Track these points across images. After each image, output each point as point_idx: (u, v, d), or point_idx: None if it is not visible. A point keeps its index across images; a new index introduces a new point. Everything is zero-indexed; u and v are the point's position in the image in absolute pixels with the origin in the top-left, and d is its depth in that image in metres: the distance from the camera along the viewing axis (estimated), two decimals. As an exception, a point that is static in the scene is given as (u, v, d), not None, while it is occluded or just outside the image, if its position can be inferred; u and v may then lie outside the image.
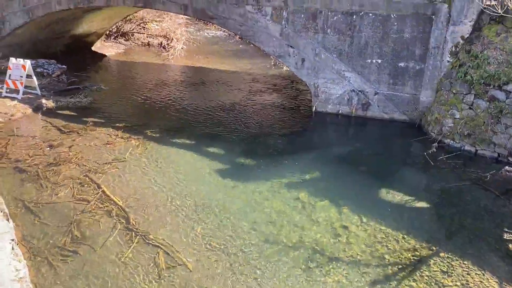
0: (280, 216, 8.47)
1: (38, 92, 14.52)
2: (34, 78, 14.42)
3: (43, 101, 14.02)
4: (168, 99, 15.58)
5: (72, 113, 13.49)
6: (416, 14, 12.79)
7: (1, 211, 7.67)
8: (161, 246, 7.35)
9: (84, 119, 12.95)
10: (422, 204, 9.24)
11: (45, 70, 16.46)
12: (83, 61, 19.67)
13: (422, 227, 8.30)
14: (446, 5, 12.36)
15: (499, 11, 10.53)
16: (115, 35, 24.19)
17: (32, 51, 17.90)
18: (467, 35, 12.29)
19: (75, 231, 7.68)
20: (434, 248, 7.63)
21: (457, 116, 11.68)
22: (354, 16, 13.40)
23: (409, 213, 8.86)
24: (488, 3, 11.86)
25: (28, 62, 14.14)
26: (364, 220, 8.41)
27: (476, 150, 11.31)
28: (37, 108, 13.66)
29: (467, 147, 11.44)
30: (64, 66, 17.28)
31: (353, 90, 13.99)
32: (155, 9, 17.97)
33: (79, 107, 14.07)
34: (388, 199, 9.32)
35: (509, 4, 10.38)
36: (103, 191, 9.03)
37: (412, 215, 8.78)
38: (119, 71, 19.37)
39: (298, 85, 17.82)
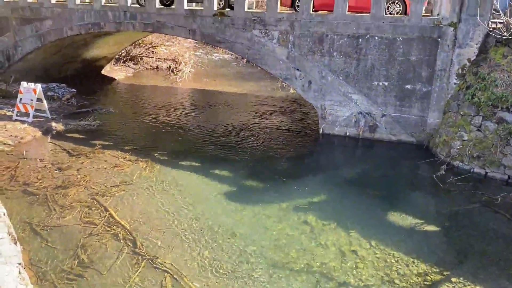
0: (288, 239, 8.39)
1: (48, 115, 14.72)
2: (45, 101, 14.65)
3: (53, 124, 14.20)
4: (176, 122, 15.70)
5: (81, 136, 13.62)
6: (422, 37, 12.89)
7: (9, 235, 7.67)
8: (168, 271, 7.29)
9: (93, 142, 13.06)
10: (432, 227, 9.11)
11: (55, 94, 16.73)
12: (92, 85, 19.96)
13: (432, 251, 8.16)
14: (452, 28, 12.46)
15: (505, 34, 10.59)
16: (124, 59, 24.60)
17: (43, 75, 18.24)
18: (474, 58, 12.34)
19: (82, 255, 7.65)
20: (445, 273, 7.49)
21: (466, 138, 11.62)
22: (360, 40, 13.53)
23: (418, 236, 8.73)
24: (493, 26, 11.94)
25: (39, 86, 14.39)
26: (373, 243, 8.30)
27: (486, 172, 11.20)
28: (47, 131, 13.81)
29: (476, 169, 11.33)
30: (74, 89, 17.56)
31: (360, 112, 14.02)
32: (164, 34, 18.35)
33: (88, 130, 14.20)
34: (397, 222, 9.21)
35: (515, 27, 10.45)
36: (110, 214, 9.02)
37: (422, 238, 8.65)
38: (128, 94, 19.61)
39: (305, 107, 17.89)
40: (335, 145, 14.11)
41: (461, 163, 11.60)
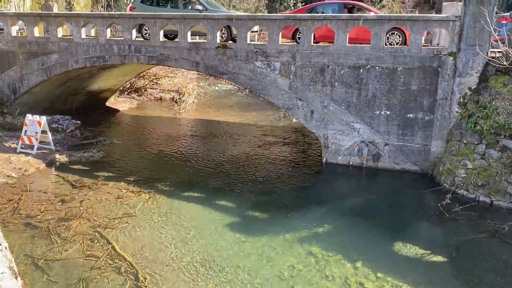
0: (292, 272, 8.25)
1: (52, 147, 14.81)
2: (49, 133, 14.77)
3: (57, 156, 14.27)
4: (179, 153, 15.74)
5: (85, 168, 13.65)
6: (422, 67, 13.04)
7: (10, 269, 7.58)
8: (171, 305, 7.15)
9: (96, 173, 13.08)
10: (439, 258, 8.94)
11: (60, 126, 16.89)
12: (97, 116, 20.16)
13: (440, 283, 7.99)
14: (452, 58, 12.62)
15: (504, 62, 10.71)
16: (128, 90, 24.92)
17: (48, 108, 18.46)
18: (474, 86, 12.44)
19: (83, 290, 7.53)
20: (454, 306, 7.31)
21: (470, 166, 11.57)
22: (361, 70, 13.70)
23: (426, 267, 8.57)
24: (492, 55, 12.09)
25: (43, 119, 14.54)
26: (380, 275, 8.14)
27: (492, 201, 11.09)
28: (51, 163, 13.87)
29: (482, 198, 11.22)
30: (78, 121, 17.74)
31: (363, 141, 14.03)
32: (168, 66, 18.65)
33: (91, 161, 14.24)
34: (404, 253, 9.06)
35: (514, 57, 10.58)
36: (113, 247, 8.94)
37: (429, 269, 8.49)
38: (132, 126, 19.76)
39: (307, 136, 17.94)
40: (339, 175, 14.06)
41: (466, 192, 11.50)
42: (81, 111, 19.83)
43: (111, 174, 13.11)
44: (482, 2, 11.90)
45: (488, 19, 11.54)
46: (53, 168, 13.58)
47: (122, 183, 12.43)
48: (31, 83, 17.69)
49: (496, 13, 12.79)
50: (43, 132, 14.56)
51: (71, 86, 19.36)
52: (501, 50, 11.49)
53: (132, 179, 12.71)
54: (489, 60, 11.69)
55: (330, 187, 13.26)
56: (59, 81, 18.28)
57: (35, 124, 14.40)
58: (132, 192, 11.85)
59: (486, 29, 11.70)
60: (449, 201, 11.10)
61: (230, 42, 15.63)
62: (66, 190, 11.87)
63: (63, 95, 19.59)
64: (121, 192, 11.82)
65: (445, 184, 12.07)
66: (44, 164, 13.69)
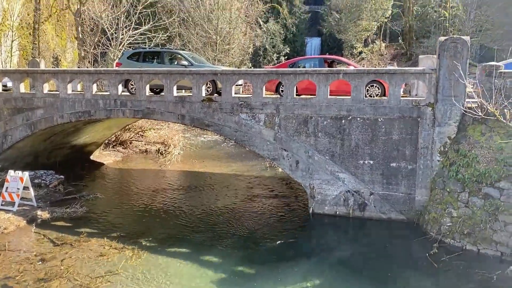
0: (281, 330, 7.97)
1: (34, 203, 14.51)
2: (31, 189, 14.53)
3: (38, 212, 13.95)
4: (164, 206, 15.54)
5: (67, 224, 13.33)
6: (402, 117, 13.41)
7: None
8: None
9: (79, 229, 12.77)
10: (430, 311, 8.78)
11: (42, 181, 16.64)
12: (81, 171, 19.96)
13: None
14: (430, 109, 13.04)
15: (480, 113, 11.10)
16: (113, 143, 24.89)
17: (32, 162, 18.27)
18: (454, 135, 12.78)
19: None
20: None
21: (454, 214, 11.64)
22: (343, 121, 14.02)
23: (417, 321, 8.38)
24: (469, 105, 12.53)
25: (26, 175, 14.35)
26: (371, 332, 7.92)
27: (479, 249, 11.08)
28: (32, 220, 13.52)
29: (468, 247, 11.22)
30: (62, 176, 17.51)
31: (349, 191, 14.10)
32: (153, 119, 18.79)
33: (74, 217, 13.93)
34: (393, 307, 8.88)
35: (489, 108, 10.97)
36: (94, 309, 8.58)
37: (420, 324, 8.30)
38: (116, 179, 19.57)
39: (293, 187, 17.95)
40: (326, 225, 13.97)
41: (453, 241, 11.50)
42: (65, 165, 19.64)
43: (94, 230, 12.82)
44: (456, 56, 12.50)
45: (462, 72, 12.06)
46: (34, 225, 13.23)
47: (105, 239, 12.13)
48: (14, 138, 17.59)
49: (470, 64, 13.41)
50: (25, 188, 14.32)
51: (56, 140, 19.30)
52: (476, 100, 11.93)
53: (115, 235, 12.43)
54: (465, 111, 12.09)
55: (317, 239, 13.12)
56: (44, 136, 18.23)
57: (17, 180, 14.17)
58: (115, 248, 11.55)
59: (461, 81, 12.20)
60: (436, 251, 11.06)
61: (215, 95, 15.95)
62: (47, 248, 11.51)
63: (47, 150, 19.46)
64: (104, 249, 11.51)
65: (431, 233, 12.06)
66: (25, 221, 13.34)
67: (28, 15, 28.41)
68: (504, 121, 10.74)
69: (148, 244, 11.88)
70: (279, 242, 12.36)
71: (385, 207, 13.77)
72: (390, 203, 13.74)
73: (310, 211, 14.48)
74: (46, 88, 17.38)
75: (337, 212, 14.23)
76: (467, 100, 12.87)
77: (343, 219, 13.99)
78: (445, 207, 11.94)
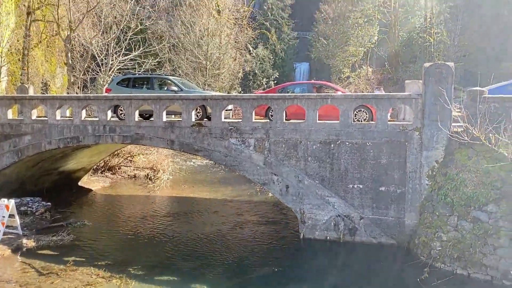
0: None
1: (20, 231, 14.21)
2: (17, 217, 14.25)
3: (24, 240, 13.65)
4: (152, 233, 15.33)
5: (53, 253, 13.06)
6: (390, 141, 13.56)
7: None
8: None
9: (65, 258, 12.50)
10: (423, 338, 8.67)
11: (29, 208, 16.35)
12: (68, 197, 19.69)
13: None
14: (417, 133, 13.21)
15: (466, 138, 11.27)
16: (102, 169, 24.67)
17: (18, 189, 17.97)
18: (441, 159, 12.91)
19: None
20: None
21: (444, 238, 11.66)
22: (332, 145, 14.12)
23: None
24: (455, 129, 12.72)
25: (12, 202, 14.09)
26: None
27: (469, 273, 11.06)
28: (17, 249, 13.22)
29: (459, 271, 11.19)
30: (49, 203, 17.23)
31: (339, 215, 14.07)
32: (142, 144, 18.74)
33: (61, 245, 13.66)
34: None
35: (474, 132, 11.16)
36: None
37: None
38: (104, 206, 19.31)
39: (284, 212, 17.86)
40: (317, 251, 13.84)
41: (443, 265, 11.48)
42: (53, 192, 19.38)
43: (81, 259, 12.56)
44: (440, 82, 12.76)
45: (447, 97, 12.29)
46: (19, 254, 12.94)
47: (92, 268, 11.89)
48: (1, 165, 17.37)
49: (455, 89, 13.69)
50: (11, 216, 14.04)
51: (43, 166, 19.09)
52: (461, 125, 12.13)
53: (103, 263, 12.19)
54: (451, 136, 12.26)
55: (309, 264, 12.99)
56: (31, 162, 18.02)
57: (3, 208, 13.88)
58: (103, 277, 11.31)
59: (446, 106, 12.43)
60: (427, 275, 11.02)
61: (205, 120, 16.01)
62: (32, 278, 11.22)
63: (34, 176, 19.21)
64: (91, 278, 11.26)
65: (422, 257, 12.04)
66: (9, 250, 13.03)
67: (18, 41, 28.48)
68: (490, 145, 10.91)
69: (136, 273, 11.65)
70: (269, 269, 12.21)
71: (376, 232, 13.75)
72: (380, 227, 13.73)
73: (301, 236, 14.39)
74: (34, 114, 17.29)
75: (328, 237, 14.16)
76: (454, 124, 13.08)
77: (334, 244, 13.91)
78: (434, 231, 11.96)
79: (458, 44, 37.86)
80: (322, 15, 46.56)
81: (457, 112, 13.27)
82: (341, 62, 44.39)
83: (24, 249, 13.25)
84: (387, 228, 13.67)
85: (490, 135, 11.09)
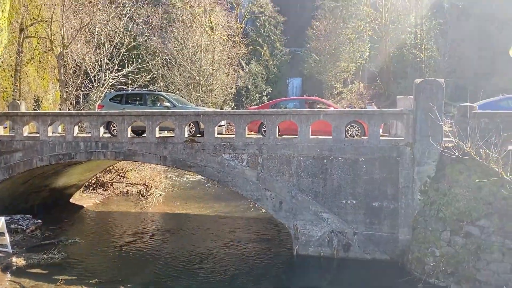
0: None
1: (9, 250, 13.99)
2: (7, 235, 14.04)
3: (14, 259, 13.42)
4: (144, 251, 15.16)
5: (44, 271, 12.85)
6: (382, 157, 13.62)
7: None
8: None
9: (56, 277, 12.31)
10: None
11: (19, 226, 16.14)
12: (60, 214, 19.46)
13: None
14: (409, 148, 13.30)
15: (457, 153, 11.36)
16: (94, 185, 24.46)
17: (8, 206, 17.73)
18: (433, 174, 12.98)
19: None
20: None
21: (437, 254, 11.66)
22: (325, 160, 14.15)
23: None
24: (447, 145, 12.82)
25: (1, 220, 13.91)
26: None
27: (463, 289, 11.04)
28: (6, 268, 12.99)
29: (453, 286, 11.18)
30: (39, 221, 17.01)
31: (333, 231, 14.03)
32: (135, 161, 18.65)
33: (51, 263, 13.44)
34: None
35: (465, 148, 11.25)
36: None
37: None
38: (96, 223, 19.11)
39: (277, 228, 17.78)
40: (311, 267, 13.74)
41: (437, 280, 11.45)
42: (44, 209, 19.18)
43: (72, 277, 12.37)
44: (431, 97, 12.90)
45: (438, 113, 12.41)
46: (9, 273, 12.71)
47: (83, 286, 11.71)
48: (-9, 182, 17.18)
49: (445, 104, 13.83)
50: (1, 234, 13.85)
51: (35, 183, 18.90)
52: (453, 140, 12.23)
53: (94, 282, 12.02)
54: (443, 151, 12.34)
55: (302, 281, 12.87)
56: (22, 179, 17.85)
57: (-8, 226, 13.71)
58: (94, 297, 11.14)
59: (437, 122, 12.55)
60: (421, 292, 10.98)
61: (198, 136, 16.00)
62: (21, 298, 11.02)
63: (25, 193, 19.00)
64: (81, 298, 11.08)
65: (415, 273, 12.01)
66: (-1, 269, 12.82)
67: (10, 57, 28.44)
68: (481, 160, 11.00)
69: (128, 291, 11.49)
70: (262, 287, 12.09)
71: (369, 247, 13.71)
72: (373, 243, 13.70)
73: (294, 253, 14.30)
74: (26, 130, 17.19)
75: (322, 253, 14.08)
76: (445, 139, 13.19)
77: (327, 261, 13.84)
78: (428, 246, 11.96)
79: (448, 60, 38.49)
80: (314, 31, 47.22)
81: (448, 127, 13.38)
82: (333, 78, 44.89)
83: (14, 268, 13.02)
84: (380, 244, 13.64)
85: (481, 150, 11.18)
